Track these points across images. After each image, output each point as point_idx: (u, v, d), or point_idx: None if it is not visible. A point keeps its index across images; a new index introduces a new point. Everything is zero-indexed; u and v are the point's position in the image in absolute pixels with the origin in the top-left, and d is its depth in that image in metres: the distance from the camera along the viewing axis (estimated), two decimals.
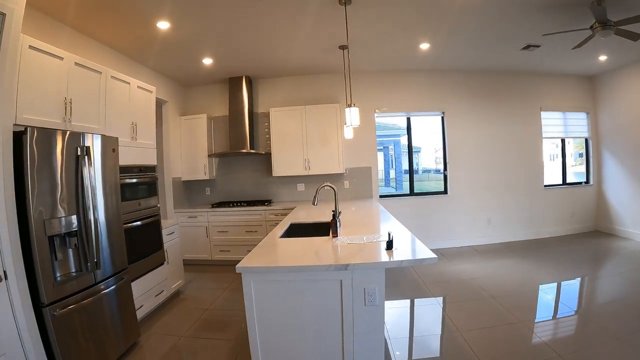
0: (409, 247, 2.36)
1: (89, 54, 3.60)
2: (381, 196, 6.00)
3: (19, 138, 2.16)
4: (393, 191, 6.28)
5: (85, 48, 3.61)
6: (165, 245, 4.06)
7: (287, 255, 2.41)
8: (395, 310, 3.61)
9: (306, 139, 5.55)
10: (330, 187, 3.17)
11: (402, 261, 2.07)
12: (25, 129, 2.19)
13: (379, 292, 2.09)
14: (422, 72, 5.85)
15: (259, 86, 5.99)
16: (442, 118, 6.05)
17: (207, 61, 4.88)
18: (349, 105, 3.62)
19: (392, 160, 7.07)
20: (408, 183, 6.12)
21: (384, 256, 2.16)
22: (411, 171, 6.10)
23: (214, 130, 5.98)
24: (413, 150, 6.14)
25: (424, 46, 4.67)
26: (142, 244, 3.55)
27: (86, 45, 3.65)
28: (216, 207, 5.51)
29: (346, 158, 5.73)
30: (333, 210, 2.96)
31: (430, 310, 3.61)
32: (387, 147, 7.29)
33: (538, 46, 4.71)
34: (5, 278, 2.00)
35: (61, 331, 2.28)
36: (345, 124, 3.84)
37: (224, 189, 6.11)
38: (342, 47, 4.45)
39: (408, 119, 6.08)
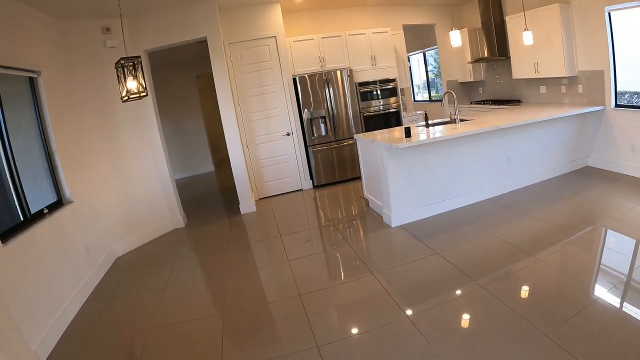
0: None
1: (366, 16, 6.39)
2: (624, 106, 4.68)
3: (295, 80, 5.55)
4: None
5: (354, 18, 6.41)
6: None
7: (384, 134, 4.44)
8: None
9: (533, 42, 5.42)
10: (450, 92, 4.50)
11: (373, 141, 3.85)
12: (296, 76, 5.53)
13: (383, 161, 3.77)
14: None
15: None
16: None
17: None
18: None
19: None
20: None
21: (392, 140, 3.75)
22: None
23: (479, 40, 6.91)
24: None
25: None
26: (381, 127, 6.18)
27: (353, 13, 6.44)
28: (473, 104, 6.76)
29: (579, 60, 5.05)
30: (425, 111, 4.36)
31: None
32: None
33: None
34: (292, 134, 5.57)
35: (315, 158, 5.69)
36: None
37: (491, 89, 6.98)
38: None
39: None
